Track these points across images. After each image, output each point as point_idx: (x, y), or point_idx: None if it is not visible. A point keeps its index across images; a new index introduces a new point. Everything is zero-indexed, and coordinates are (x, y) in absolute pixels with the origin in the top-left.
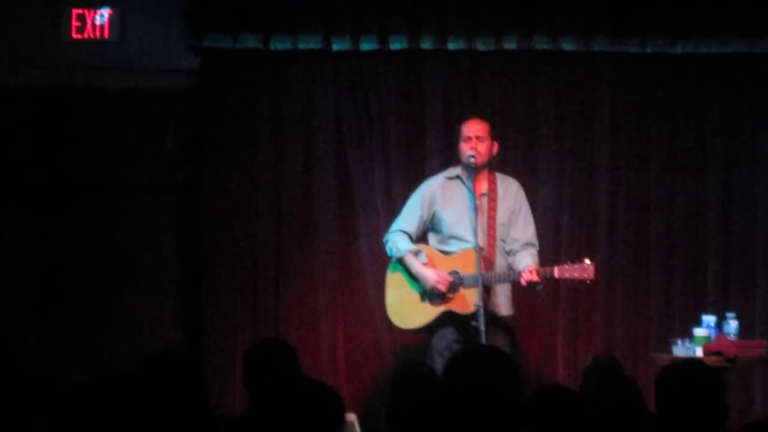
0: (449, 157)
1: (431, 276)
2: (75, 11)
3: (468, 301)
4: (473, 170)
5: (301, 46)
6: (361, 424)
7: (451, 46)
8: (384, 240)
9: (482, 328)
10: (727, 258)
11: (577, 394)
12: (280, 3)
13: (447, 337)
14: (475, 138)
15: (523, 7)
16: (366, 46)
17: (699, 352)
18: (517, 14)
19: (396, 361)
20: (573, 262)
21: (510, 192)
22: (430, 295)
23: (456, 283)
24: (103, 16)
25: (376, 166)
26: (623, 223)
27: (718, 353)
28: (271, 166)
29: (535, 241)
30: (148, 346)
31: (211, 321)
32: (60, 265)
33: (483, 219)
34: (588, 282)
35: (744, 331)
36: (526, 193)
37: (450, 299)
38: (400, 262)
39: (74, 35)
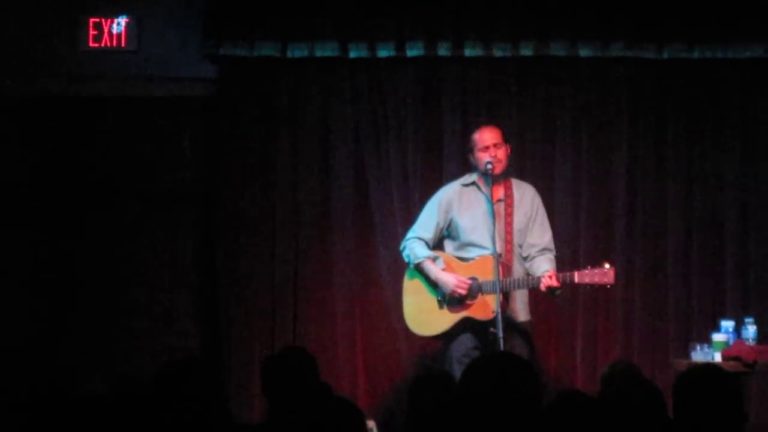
0: (466, 163)
1: (451, 280)
2: (92, 20)
3: (486, 307)
4: (490, 177)
5: (318, 54)
6: (380, 430)
7: (468, 52)
8: (401, 247)
9: (500, 334)
10: (745, 263)
11: (597, 400)
12: (297, 11)
13: (465, 343)
14: (492, 147)
15: (540, 14)
16: (383, 53)
17: (717, 357)
18: (533, 20)
19: (414, 368)
20: (593, 266)
21: (526, 198)
22: (448, 301)
23: (475, 289)
24: (120, 24)
25: (393, 173)
26: (641, 228)
27: (736, 358)
28: (289, 173)
29: (552, 246)
30: (165, 354)
31: (229, 328)
32: (78, 273)
33: (500, 225)
34: (608, 287)
35: (763, 336)
36: (543, 199)
37: (468, 306)
38: (418, 268)
39: (91, 44)
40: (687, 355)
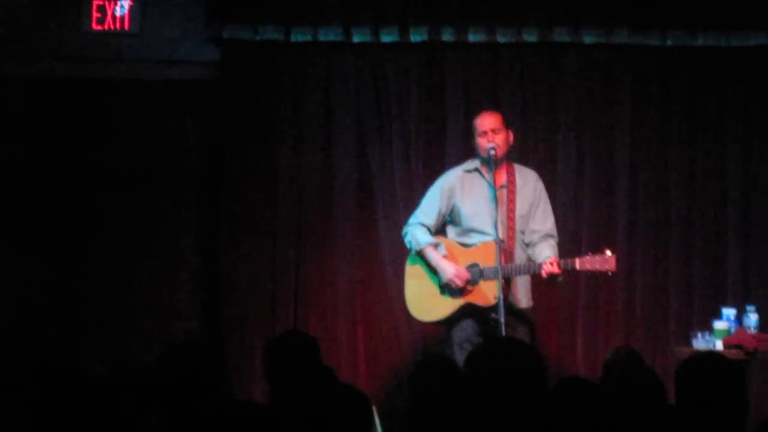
0: (469, 148)
1: (450, 270)
2: (95, 2)
3: (488, 293)
4: (493, 162)
5: (322, 38)
6: (381, 416)
7: (472, 38)
8: (403, 233)
9: (502, 320)
10: (747, 250)
11: (599, 387)
12: None
13: (466, 329)
14: (491, 132)
15: (544, 0)
16: (386, 37)
17: (719, 345)
18: (537, 6)
19: (415, 354)
20: (594, 253)
21: (529, 184)
22: (449, 288)
23: (475, 277)
24: (123, 7)
25: (395, 158)
26: (643, 215)
27: (738, 346)
28: (292, 157)
29: (555, 233)
30: (166, 338)
31: (230, 313)
32: (80, 255)
33: (502, 211)
34: (609, 273)
35: (764, 324)
36: (545, 185)
37: (470, 292)
38: (420, 254)
39: (94, 26)
40: (688, 343)
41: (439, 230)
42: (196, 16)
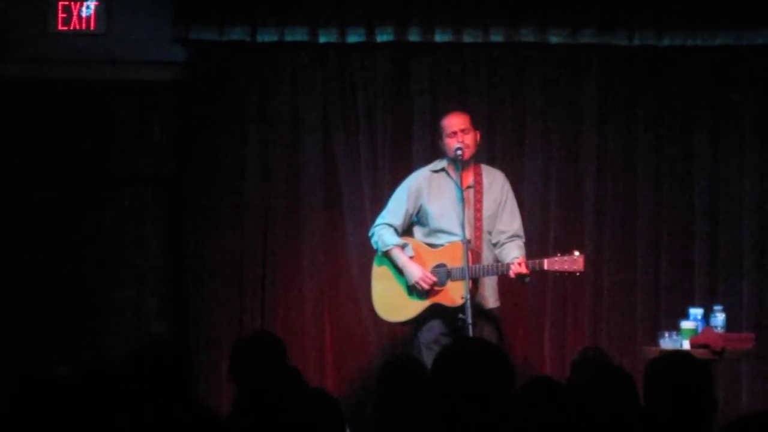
0: (436, 148)
1: (416, 272)
2: (61, 3)
3: (455, 294)
4: (460, 163)
5: (288, 38)
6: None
7: (438, 38)
8: (370, 233)
9: (470, 320)
10: (714, 251)
11: (566, 387)
12: None
13: (434, 329)
14: (460, 132)
15: (511, 0)
16: (353, 38)
17: (686, 344)
18: (504, 6)
19: (383, 355)
20: (563, 254)
21: (496, 184)
22: (416, 289)
23: (443, 277)
24: (89, 7)
25: (362, 158)
26: (610, 215)
27: (705, 346)
28: (258, 158)
29: (522, 233)
30: (132, 338)
31: (197, 313)
32: (44, 256)
33: (469, 211)
34: (577, 274)
35: (731, 324)
36: (512, 185)
37: (437, 292)
38: (386, 255)
39: (60, 27)
40: (656, 343)
41: (406, 231)
42: (162, 17)
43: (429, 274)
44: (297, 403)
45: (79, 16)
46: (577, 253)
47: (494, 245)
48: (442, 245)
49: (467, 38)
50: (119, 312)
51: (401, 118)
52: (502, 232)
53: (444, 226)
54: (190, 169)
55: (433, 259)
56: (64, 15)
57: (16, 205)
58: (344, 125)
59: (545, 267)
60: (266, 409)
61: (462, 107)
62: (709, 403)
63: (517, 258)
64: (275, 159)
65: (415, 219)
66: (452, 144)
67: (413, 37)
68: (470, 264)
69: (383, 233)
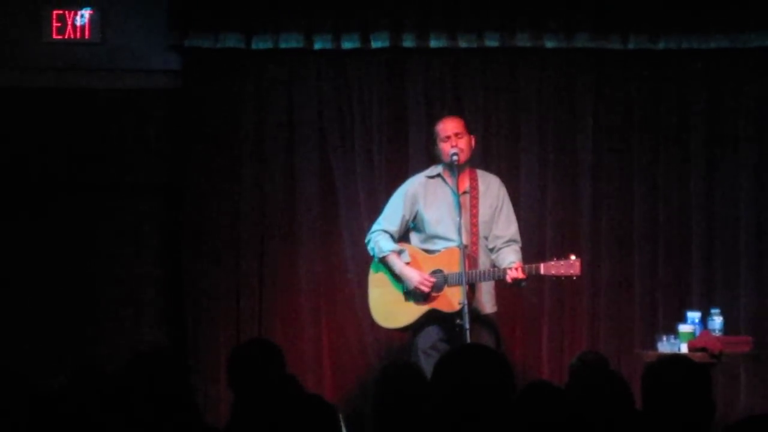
0: (432, 154)
1: (414, 277)
2: (55, 12)
3: (452, 299)
4: (456, 168)
5: (283, 45)
6: (346, 423)
7: (433, 43)
8: (366, 240)
9: (467, 326)
10: (711, 254)
11: (565, 392)
12: (262, 2)
13: (431, 335)
14: (454, 136)
15: (505, 5)
16: (347, 44)
17: (684, 348)
18: (498, 11)
19: (380, 361)
20: (559, 258)
21: (491, 189)
22: (414, 294)
23: (440, 283)
24: (83, 16)
25: (358, 165)
26: (607, 219)
27: (703, 349)
28: (254, 165)
29: (518, 238)
30: (130, 347)
31: (194, 321)
32: (42, 264)
33: (465, 217)
34: (574, 278)
35: (729, 327)
36: (508, 190)
37: (434, 298)
38: (383, 261)
39: (55, 36)
40: (654, 347)
41: (403, 237)
42: (157, 25)
43: (428, 277)
44: (294, 411)
45: (74, 25)
46: (573, 257)
47: (491, 250)
48: (438, 251)
49: (462, 43)
50: (115, 320)
51: (397, 124)
52: (499, 237)
53: (440, 231)
54: (185, 176)
55: (430, 264)
56: (59, 24)
57: (10, 214)
58: (340, 131)
59: (542, 272)
60: (264, 416)
61: (457, 112)
62: (707, 407)
63: (514, 263)
64: (271, 166)
65: (411, 225)
66: (447, 148)
67: (408, 42)
68: (467, 269)
69: (379, 239)
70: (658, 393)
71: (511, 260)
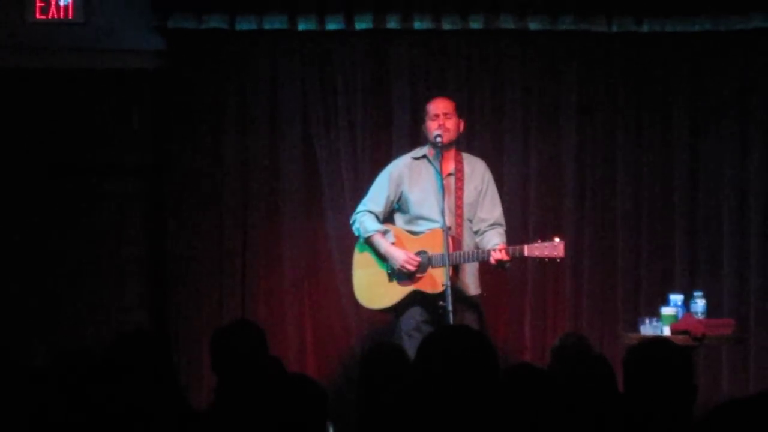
0: (416, 136)
1: (400, 256)
2: None
3: (436, 280)
4: (440, 150)
5: (267, 26)
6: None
7: (417, 25)
8: (351, 220)
9: (450, 307)
10: (694, 237)
11: (547, 373)
12: None
13: (415, 317)
14: (442, 115)
15: None
16: (331, 25)
17: (666, 331)
18: None
19: (364, 343)
20: (543, 240)
21: (477, 172)
22: (398, 275)
23: (425, 263)
24: None
25: (342, 146)
26: (590, 202)
27: (685, 332)
28: (238, 146)
29: (503, 221)
30: (113, 328)
31: (177, 303)
32: (24, 246)
33: (450, 199)
34: (557, 260)
35: (711, 310)
36: (492, 173)
37: (418, 279)
38: (368, 242)
39: (38, 16)
40: (636, 329)
41: (387, 218)
42: (140, 5)
43: (413, 256)
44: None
45: (57, 5)
46: (557, 239)
47: (475, 233)
48: (422, 232)
49: (446, 25)
50: (99, 302)
51: (381, 106)
52: (483, 220)
53: (424, 213)
54: (169, 158)
55: (415, 245)
56: (42, 4)
57: None
58: (324, 113)
59: (525, 253)
60: (247, 398)
61: (442, 94)
62: (689, 390)
63: (498, 245)
64: (255, 147)
65: (396, 206)
66: (433, 127)
67: (392, 24)
68: (451, 251)
69: (364, 220)
70: (641, 375)
71: (495, 243)
